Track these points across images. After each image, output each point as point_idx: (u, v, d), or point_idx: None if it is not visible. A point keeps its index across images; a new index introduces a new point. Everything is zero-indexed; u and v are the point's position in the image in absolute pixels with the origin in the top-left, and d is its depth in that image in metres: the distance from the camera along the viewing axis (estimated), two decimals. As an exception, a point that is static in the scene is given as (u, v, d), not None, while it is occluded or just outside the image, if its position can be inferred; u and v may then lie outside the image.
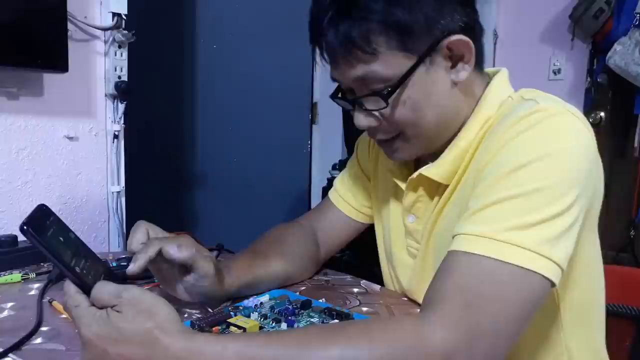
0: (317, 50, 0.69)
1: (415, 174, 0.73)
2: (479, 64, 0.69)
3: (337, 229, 0.92)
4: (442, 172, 0.70)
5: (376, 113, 0.67)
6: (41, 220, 0.53)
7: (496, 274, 0.54)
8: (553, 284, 0.56)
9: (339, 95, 0.72)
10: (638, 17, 2.05)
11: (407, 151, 0.71)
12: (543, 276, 0.54)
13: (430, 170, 0.71)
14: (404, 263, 0.80)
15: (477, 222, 0.57)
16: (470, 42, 0.64)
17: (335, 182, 0.95)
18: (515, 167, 0.57)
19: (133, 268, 0.63)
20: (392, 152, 0.72)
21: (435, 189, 0.73)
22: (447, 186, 0.71)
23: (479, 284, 0.54)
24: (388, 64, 0.62)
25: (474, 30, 0.66)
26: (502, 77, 0.72)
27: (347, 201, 0.91)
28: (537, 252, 0.54)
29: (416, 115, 0.66)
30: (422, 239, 0.75)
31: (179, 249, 0.65)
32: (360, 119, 0.68)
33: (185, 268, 0.68)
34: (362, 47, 0.61)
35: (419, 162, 0.78)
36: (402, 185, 0.76)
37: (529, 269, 0.54)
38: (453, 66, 0.66)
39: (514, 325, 0.54)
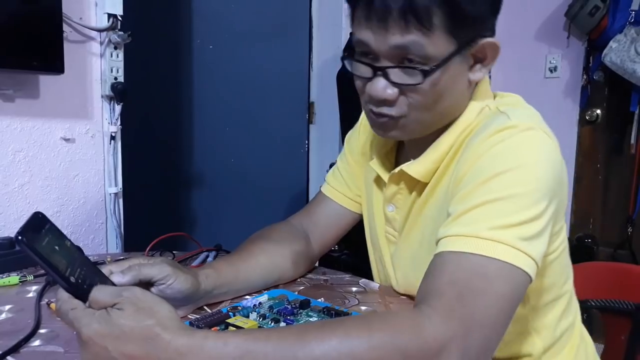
0: (352, 6, 0.66)
1: (397, 170, 0.76)
2: None
3: (331, 221, 0.92)
4: (422, 171, 0.73)
5: (401, 87, 0.66)
6: (36, 229, 0.52)
7: (484, 268, 0.57)
8: (531, 279, 0.59)
9: (354, 59, 0.69)
10: (633, 15, 2.06)
11: (403, 132, 0.71)
12: (524, 271, 0.58)
13: (410, 168, 0.74)
14: (385, 249, 0.84)
15: (460, 224, 0.61)
16: (500, 48, 0.68)
17: (327, 178, 0.96)
18: (492, 175, 0.61)
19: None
20: (388, 130, 0.71)
21: (415, 184, 0.76)
22: (426, 184, 0.74)
23: (469, 278, 0.57)
24: (435, 42, 0.63)
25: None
26: (484, 84, 0.74)
27: (342, 193, 0.92)
28: (517, 248, 0.58)
29: (434, 102, 0.67)
30: (401, 229, 0.79)
31: (123, 275, 0.62)
32: (379, 88, 0.66)
33: (148, 284, 0.65)
34: (421, 17, 0.61)
35: (400, 156, 0.82)
36: (384, 178, 0.79)
37: (513, 264, 0.57)
38: (473, 66, 0.69)
39: (504, 318, 0.57)
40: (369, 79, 0.67)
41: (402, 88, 0.66)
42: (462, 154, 0.68)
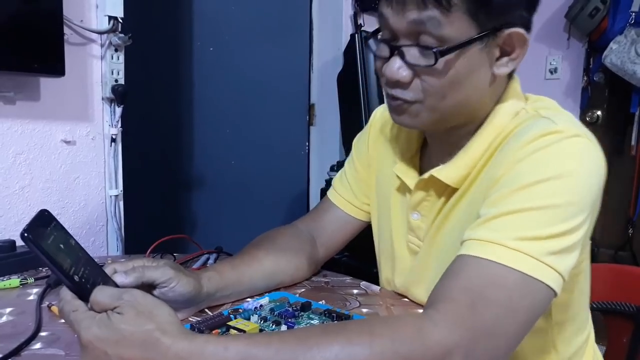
0: None
1: (426, 175, 0.72)
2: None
3: (337, 228, 0.91)
4: (454, 175, 0.70)
5: (414, 68, 0.64)
6: (42, 227, 0.52)
7: (503, 279, 0.55)
8: (555, 294, 0.57)
9: (379, 39, 0.68)
10: (634, 16, 2.06)
11: (417, 119, 0.68)
12: (548, 286, 0.56)
13: (441, 173, 0.70)
14: (404, 258, 0.81)
15: (488, 229, 0.58)
16: (528, 40, 0.65)
17: (334, 183, 0.94)
18: (532, 182, 0.58)
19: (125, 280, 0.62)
20: (401, 114, 0.69)
21: (444, 190, 0.72)
22: (455, 189, 0.70)
23: (485, 287, 0.55)
24: (453, 23, 0.60)
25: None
26: (516, 85, 0.71)
27: (348, 200, 0.90)
28: (544, 262, 0.55)
29: (449, 89, 0.64)
30: (425, 237, 0.75)
31: (126, 275, 0.62)
32: (394, 68, 0.64)
33: (150, 286, 0.65)
34: None
35: (424, 161, 0.78)
36: (410, 185, 0.76)
37: (535, 278, 0.55)
38: (499, 58, 0.66)
39: (516, 330, 0.55)
40: (387, 60, 0.65)
41: (416, 69, 0.64)
42: (498, 155, 0.66)
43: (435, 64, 0.61)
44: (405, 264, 0.81)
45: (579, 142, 0.61)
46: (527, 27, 0.65)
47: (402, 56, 0.64)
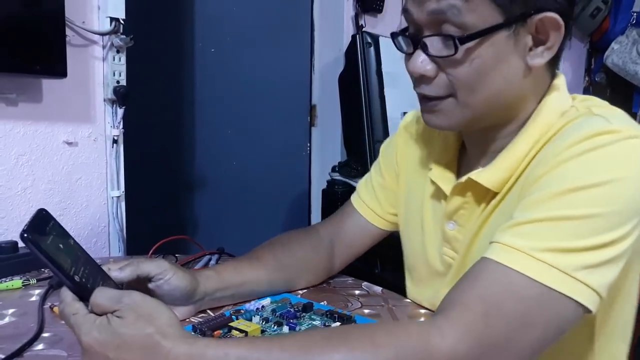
0: None
1: (464, 179, 0.67)
2: (554, 62, 0.64)
3: (358, 236, 0.87)
4: (495, 179, 0.65)
5: (438, 61, 0.61)
6: (41, 226, 0.52)
7: (523, 291, 0.52)
8: (588, 310, 0.53)
9: (404, 34, 0.65)
10: (635, 16, 2.06)
11: (449, 118, 0.64)
12: (576, 301, 0.52)
13: (481, 176, 0.65)
14: (437, 272, 0.76)
15: (518, 234, 0.54)
16: (563, 25, 0.59)
17: (359, 188, 0.90)
18: (574, 188, 0.54)
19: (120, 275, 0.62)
20: (431, 113, 0.65)
21: (483, 195, 0.67)
22: (496, 193, 0.66)
23: (502, 297, 0.52)
24: (475, 10, 0.57)
25: (567, 22, 0.61)
26: (560, 82, 0.66)
27: (371, 208, 0.87)
28: (573, 276, 0.52)
29: (477, 81, 0.60)
30: (462, 249, 0.70)
31: (121, 270, 0.62)
32: (417, 63, 0.61)
33: (147, 280, 0.66)
34: None
35: (462, 167, 0.74)
36: (447, 190, 0.71)
37: (559, 292, 0.51)
38: (532, 48, 0.61)
39: (530, 347, 0.52)
40: (412, 55, 0.62)
41: (440, 62, 0.61)
42: (542, 154, 0.61)
43: (455, 53, 0.58)
44: (438, 278, 0.75)
45: (637, 145, 0.55)
46: (564, 14, 0.60)
47: (425, 49, 0.61)
